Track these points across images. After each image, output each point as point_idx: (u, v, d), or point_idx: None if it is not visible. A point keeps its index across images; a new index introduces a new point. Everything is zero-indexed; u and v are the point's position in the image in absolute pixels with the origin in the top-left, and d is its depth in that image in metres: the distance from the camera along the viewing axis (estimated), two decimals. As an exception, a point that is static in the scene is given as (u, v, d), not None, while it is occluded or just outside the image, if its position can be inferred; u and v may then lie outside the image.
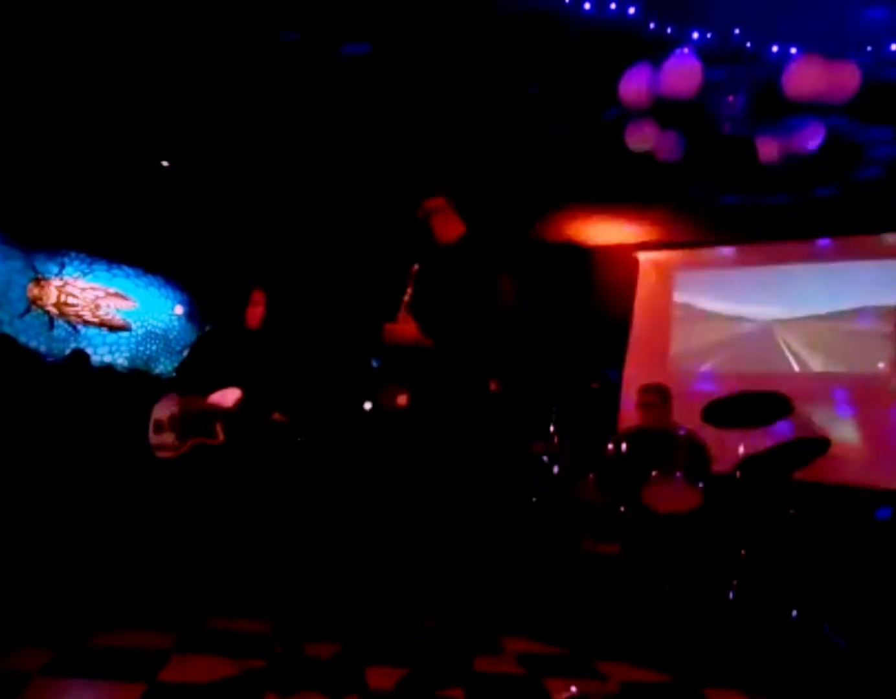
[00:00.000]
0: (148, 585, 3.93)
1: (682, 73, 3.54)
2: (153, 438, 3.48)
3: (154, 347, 7.97)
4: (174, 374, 7.17)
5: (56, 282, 7.26)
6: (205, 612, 3.47)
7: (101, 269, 7.58)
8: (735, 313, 6.26)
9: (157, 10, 4.03)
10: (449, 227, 3.01)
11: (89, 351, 6.81)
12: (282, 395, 3.66)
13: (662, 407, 4.40)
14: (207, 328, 7.62)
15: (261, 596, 3.72)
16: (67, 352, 6.68)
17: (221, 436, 3.42)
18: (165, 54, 4.48)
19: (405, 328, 2.83)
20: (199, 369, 3.68)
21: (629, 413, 5.01)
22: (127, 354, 7.74)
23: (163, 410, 3.50)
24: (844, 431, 5.39)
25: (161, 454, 3.46)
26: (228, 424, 3.42)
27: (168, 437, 3.43)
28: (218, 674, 2.61)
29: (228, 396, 3.49)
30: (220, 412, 3.42)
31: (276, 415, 3.71)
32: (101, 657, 2.71)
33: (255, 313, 3.64)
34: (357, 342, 3.01)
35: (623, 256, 6.91)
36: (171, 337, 8.10)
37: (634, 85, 3.69)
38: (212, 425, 3.41)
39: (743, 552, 3.75)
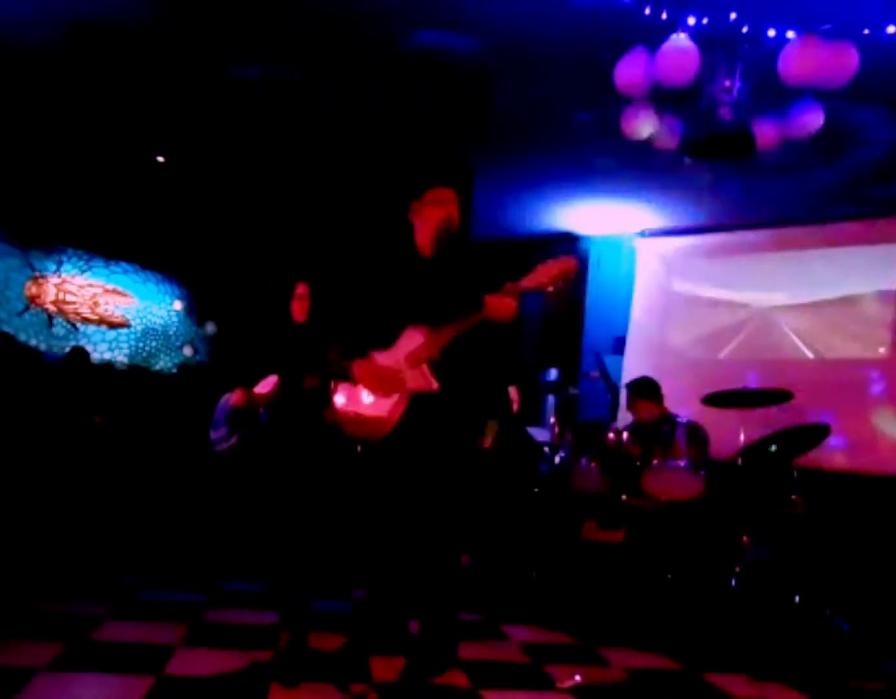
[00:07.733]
0: (149, 577, 3.95)
1: (679, 58, 3.52)
2: (211, 434, 3.62)
3: (154, 343, 7.97)
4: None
5: (54, 279, 7.25)
6: (207, 605, 3.48)
7: (98, 265, 7.57)
8: (735, 300, 6.25)
9: (150, 7, 4.01)
10: (444, 228, 2.75)
11: (89, 348, 6.80)
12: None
13: (651, 401, 4.35)
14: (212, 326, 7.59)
15: (265, 587, 3.74)
16: (67, 349, 6.67)
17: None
18: (157, 50, 4.46)
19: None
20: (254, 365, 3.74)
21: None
22: (127, 351, 7.74)
23: (220, 407, 3.63)
24: (845, 417, 5.39)
25: (217, 448, 3.60)
26: (268, 408, 3.51)
27: (223, 432, 3.57)
28: (224, 667, 2.62)
29: (268, 383, 3.57)
30: (261, 399, 3.51)
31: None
32: (108, 651, 2.72)
33: (302, 306, 3.66)
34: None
35: (621, 245, 6.92)
36: (170, 332, 8.10)
37: (630, 71, 3.67)
38: (256, 414, 3.50)
39: (745, 538, 3.76)
